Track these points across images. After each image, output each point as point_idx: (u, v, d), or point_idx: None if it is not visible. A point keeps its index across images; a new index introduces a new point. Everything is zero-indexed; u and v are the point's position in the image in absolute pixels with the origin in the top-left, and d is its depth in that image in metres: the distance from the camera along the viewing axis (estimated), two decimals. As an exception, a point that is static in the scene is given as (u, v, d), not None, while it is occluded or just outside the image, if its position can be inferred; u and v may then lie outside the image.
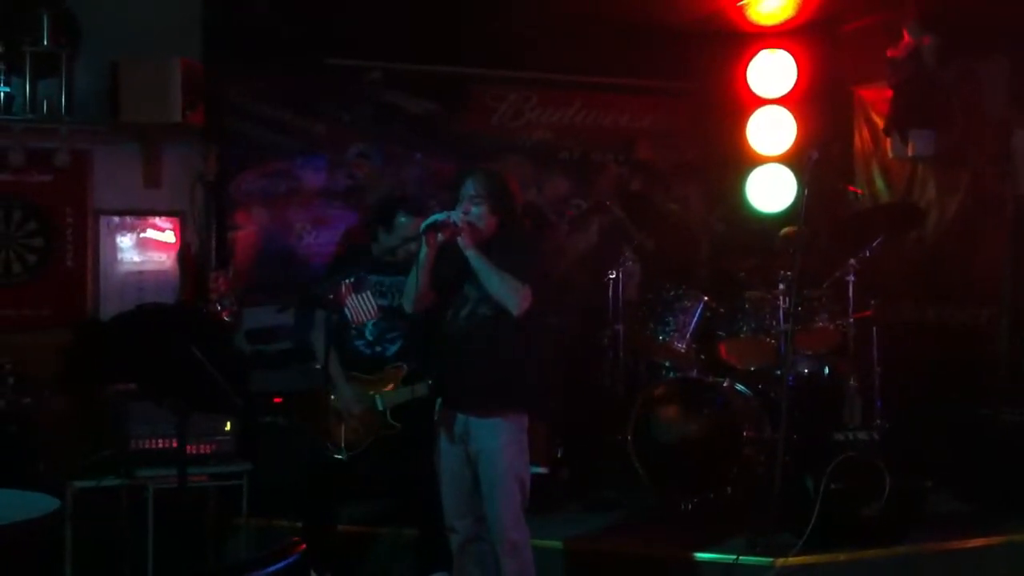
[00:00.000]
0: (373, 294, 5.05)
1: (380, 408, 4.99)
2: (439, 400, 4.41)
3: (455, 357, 4.29)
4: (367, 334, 5.11)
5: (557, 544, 5.09)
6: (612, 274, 6.26)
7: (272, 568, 2.47)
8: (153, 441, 5.24)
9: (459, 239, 4.14)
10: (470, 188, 4.26)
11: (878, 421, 5.57)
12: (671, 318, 6.03)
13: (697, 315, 6.03)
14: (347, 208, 6.87)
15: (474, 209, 4.22)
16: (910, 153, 7.04)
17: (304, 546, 2.56)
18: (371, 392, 5.01)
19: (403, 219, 5.06)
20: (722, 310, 6.04)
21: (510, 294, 4.14)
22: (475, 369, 4.23)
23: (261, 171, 6.82)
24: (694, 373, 5.99)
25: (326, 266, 5.46)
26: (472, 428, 4.25)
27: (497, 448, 4.21)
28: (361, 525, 5.39)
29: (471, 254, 4.15)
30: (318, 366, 5.02)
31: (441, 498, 4.42)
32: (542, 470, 5.68)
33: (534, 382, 4.34)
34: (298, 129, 6.90)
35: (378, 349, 5.11)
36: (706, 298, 6.06)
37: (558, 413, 5.81)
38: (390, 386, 5.02)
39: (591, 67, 7.33)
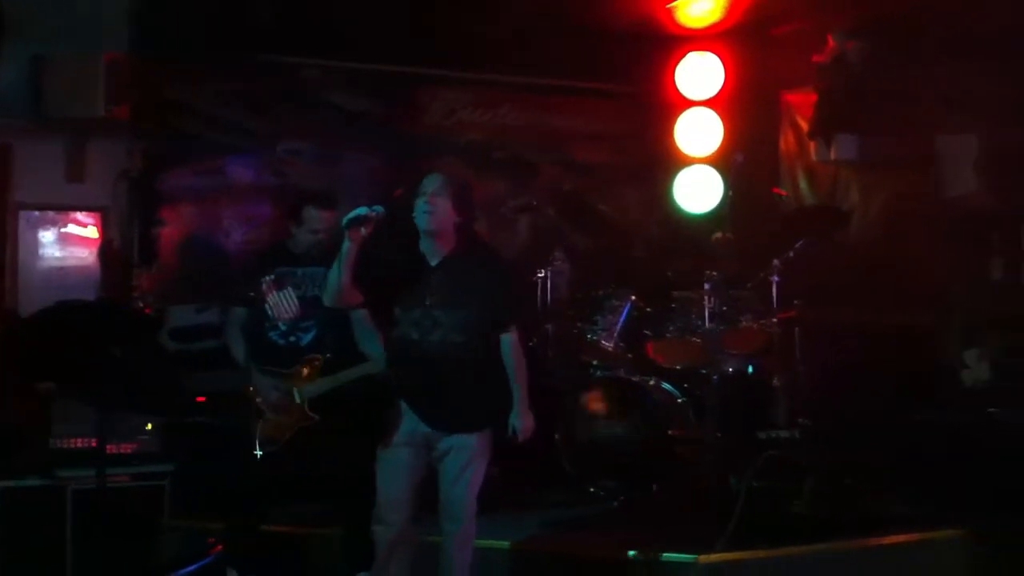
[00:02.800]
0: (290, 285, 5.03)
1: (298, 401, 4.93)
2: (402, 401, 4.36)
3: (426, 379, 4.26)
4: (281, 325, 5.04)
5: (482, 543, 5.08)
6: (541, 273, 6.28)
7: (186, 570, 2.44)
8: (73, 440, 5.16)
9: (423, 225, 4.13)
10: (435, 182, 4.23)
11: (801, 420, 5.65)
12: (599, 317, 6.08)
13: (625, 314, 6.07)
14: (276, 205, 6.81)
15: (438, 202, 4.20)
16: (833, 157, 7.17)
17: (220, 547, 2.53)
18: (288, 385, 4.96)
19: (313, 212, 5.02)
20: (650, 310, 6.09)
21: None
22: (449, 396, 4.25)
23: (189, 167, 6.75)
24: (622, 372, 6.03)
25: (243, 264, 5.38)
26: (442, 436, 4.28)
27: (472, 447, 4.26)
28: (288, 525, 5.34)
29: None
30: (237, 363, 4.99)
31: (368, 498, 4.40)
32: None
33: (501, 399, 4.35)
34: (229, 125, 6.84)
35: (292, 339, 5.03)
36: (634, 298, 6.10)
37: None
38: (306, 377, 4.98)
39: (524, 68, 7.36)
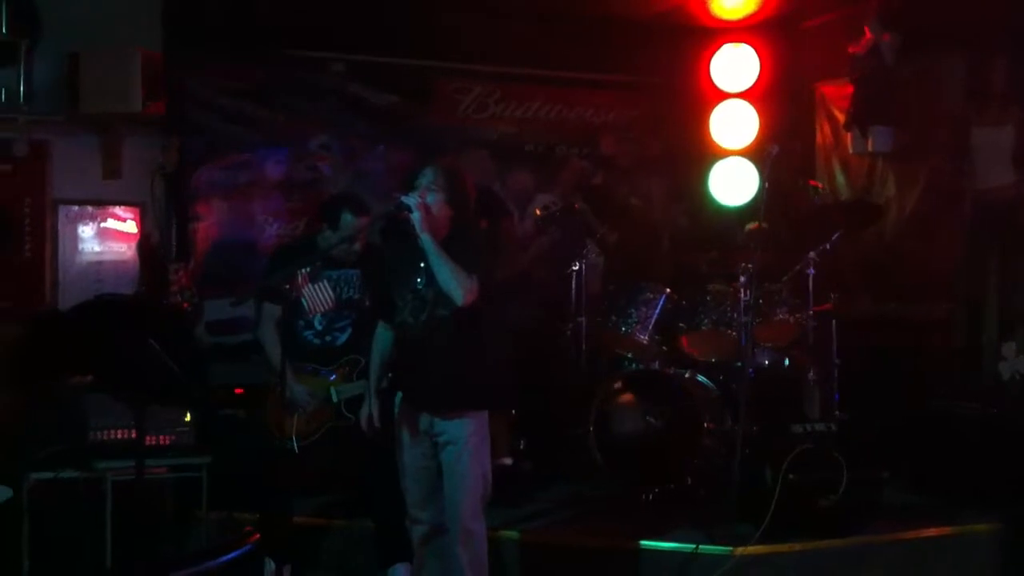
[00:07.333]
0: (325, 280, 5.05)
1: (335, 400, 5.00)
2: (399, 395, 4.40)
3: (416, 359, 4.29)
4: (316, 324, 5.10)
5: (516, 535, 5.11)
6: (575, 267, 6.28)
7: (225, 558, 2.46)
8: (111, 433, 5.20)
9: (414, 223, 4.13)
10: (428, 176, 4.27)
11: (836, 413, 5.61)
12: (633, 310, 6.06)
13: (659, 307, 6.06)
14: (308, 200, 6.84)
15: (430, 197, 4.22)
16: (870, 149, 7.11)
17: (258, 536, 2.55)
18: (324, 384, 5.00)
19: (348, 218, 5.05)
20: (684, 303, 6.07)
21: (456, 284, 4.14)
22: (436, 372, 4.24)
23: (222, 163, 6.80)
24: (656, 365, 6.02)
25: (270, 258, 5.43)
26: (436, 424, 4.28)
27: (463, 438, 4.25)
28: (321, 517, 5.38)
29: (425, 238, 4.14)
30: (270, 361, 5.01)
31: (401, 491, 4.42)
32: (507, 461, 5.70)
33: (494, 380, 4.35)
34: (259, 120, 6.88)
35: (328, 339, 5.11)
36: (668, 291, 6.09)
37: (521, 406, 5.82)
38: (343, 378, 5.00)
39: (555, 61, 7.36)
